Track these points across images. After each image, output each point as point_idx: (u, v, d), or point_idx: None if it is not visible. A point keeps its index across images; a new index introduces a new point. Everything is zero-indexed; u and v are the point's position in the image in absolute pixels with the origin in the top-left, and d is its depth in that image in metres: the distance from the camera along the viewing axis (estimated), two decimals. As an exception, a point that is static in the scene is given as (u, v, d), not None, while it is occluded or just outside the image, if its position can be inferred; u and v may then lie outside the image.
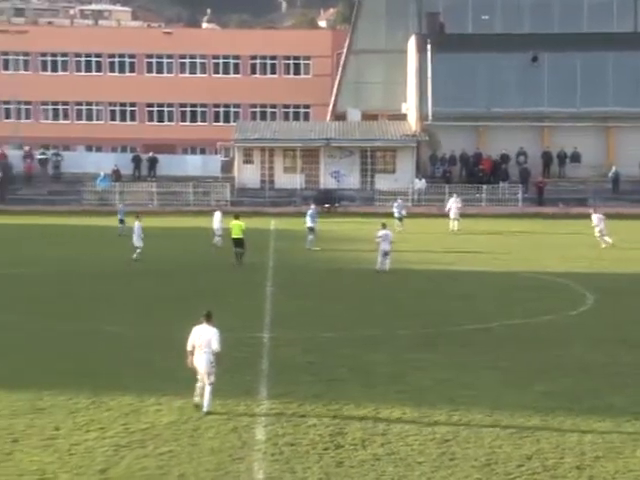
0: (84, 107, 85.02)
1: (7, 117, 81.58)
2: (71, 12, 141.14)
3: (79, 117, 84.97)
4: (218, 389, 18.62)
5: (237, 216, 39.56)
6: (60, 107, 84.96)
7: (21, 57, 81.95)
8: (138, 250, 38.86)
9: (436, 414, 17.87)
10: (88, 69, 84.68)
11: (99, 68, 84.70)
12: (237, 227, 38.14)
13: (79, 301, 29.97)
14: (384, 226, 37.12)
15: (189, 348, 18.08)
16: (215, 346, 17.82)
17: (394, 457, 15.56)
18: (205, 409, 17.86)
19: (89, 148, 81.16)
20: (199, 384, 18.06)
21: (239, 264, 37.45)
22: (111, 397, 18.88)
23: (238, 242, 37.94)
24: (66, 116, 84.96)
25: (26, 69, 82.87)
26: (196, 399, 18.08)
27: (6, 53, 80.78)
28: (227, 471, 14.93)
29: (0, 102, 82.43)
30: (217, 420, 17.48)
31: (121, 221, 47.33)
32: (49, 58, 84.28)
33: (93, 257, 40.13)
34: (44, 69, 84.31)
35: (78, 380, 20.18)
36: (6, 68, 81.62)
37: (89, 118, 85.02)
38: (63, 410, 18.10)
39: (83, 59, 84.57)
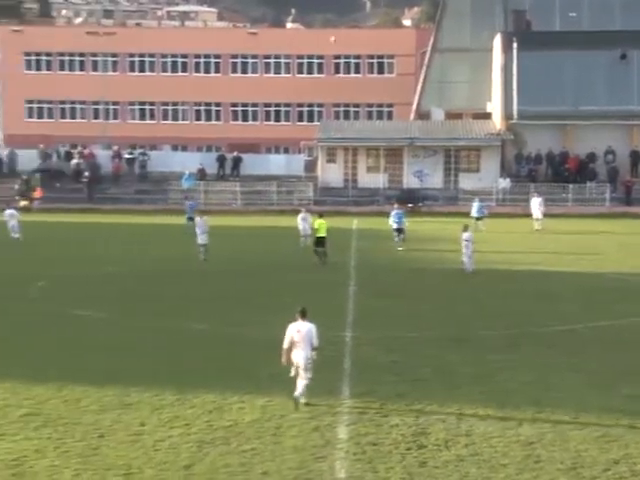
0: (170, 107, 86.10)
1: (96, 117, 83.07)
2: (158, 14, 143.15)
3: (165, 117, 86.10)
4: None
5: (322, 215, 39.69)
6: (147, 107, 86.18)
7: (109, 58, 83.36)
8: (202, 249, 38.78)
9: (520, 416, 17.68)
10: (174, 70, 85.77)
11: (185, 69, 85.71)
12: (322, 226, 38.25)
13: (167, 299, 30.36)
14: (466, 228, 36.78)
15: (286, 346, 18.22)
16: (315, 341, 18.15)
17: (478, 458, 15.43)
18: (301, 400, 18.02)
19: (175, 147, 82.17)
20: (299, 380, 18.22)
21: (323, 263, 37.51)
22: (195, 394, 19.09)
23: (321, 241, 38.01)
24: (153, 116, 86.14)
25: (114, 70, 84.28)
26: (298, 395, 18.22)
27: (95, 54, 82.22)
28: (309, 469, 14.98)
29: (89, 103, 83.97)
30: (299, 419, 17.55)
31: (190, 219, 47.12)
32: (137, 59, 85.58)
33: (178, 255, 40.57)
34: (132, 70, 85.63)
35: (164, 377, 20.45)
36: (95, 69, 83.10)
37: (175, 118, 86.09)
38: (149, 406, 18.36)
39: (169, 60, 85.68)
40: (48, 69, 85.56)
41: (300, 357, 18.06)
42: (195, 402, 18.63)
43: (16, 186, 62.89)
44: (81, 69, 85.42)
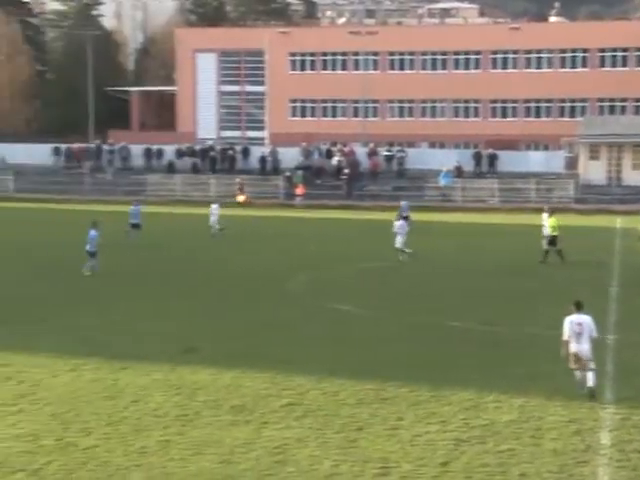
0: (429, 105, 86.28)
1: (355, 115, 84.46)
2: (419, 11, 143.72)
3: (423, 114, 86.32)
4: (559, 390, 18.27)
5: (553, 212, 38.58)
6: (406, 105, 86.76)
7: (370, 57, 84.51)
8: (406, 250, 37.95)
9: None
10: (434, 67, 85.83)
11: (444, 66, 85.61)
12: (555, 224, 37.25)
13: (423, 296, 30.46)
14: None
15: (565, 338, 18.51)
16: (594, 333, 18.48)
17: None
18: (592, 386, 18.12)
19: (432, 145, 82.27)
20: (577, 373, 18.33)
21: (561, 260, 36.46)
22: (451, 391, 19.01)
23: (554, 240, 37.02)
24: (411, 113, 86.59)
25: (375, 69, 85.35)
26: (585, 389, 18.25)
27: (357, 54, 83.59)
28: (570, 474, 14.56)
29: (350, 101, 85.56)
30: (559, 422, 17.10)
31: (405, 218, 46.50)
32: (397, 57, 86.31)
33: (426, 252, 40.56)
34: (392, 68, 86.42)
35: (420, 373, 20.51)
36: (356, 68, 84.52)
37: (433, 115, 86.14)
38: (405, 401, 18.45)
39: (429, 57, 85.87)
40: (312, 69, 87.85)
41: (584, 349, 18.26)
42: (451, 399, 18.55)
43: (280, 183, 65.07)
44: (343, 68, 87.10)
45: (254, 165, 68.43)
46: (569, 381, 18.77)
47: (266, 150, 70.47)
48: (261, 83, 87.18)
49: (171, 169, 68.08)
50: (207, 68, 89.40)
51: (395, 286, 32.46)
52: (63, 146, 71.41)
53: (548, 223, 37.64)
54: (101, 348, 22.61)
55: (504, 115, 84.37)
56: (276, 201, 64.02)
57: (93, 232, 33.50)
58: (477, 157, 67.42)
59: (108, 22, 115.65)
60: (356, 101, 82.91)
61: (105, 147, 71.01)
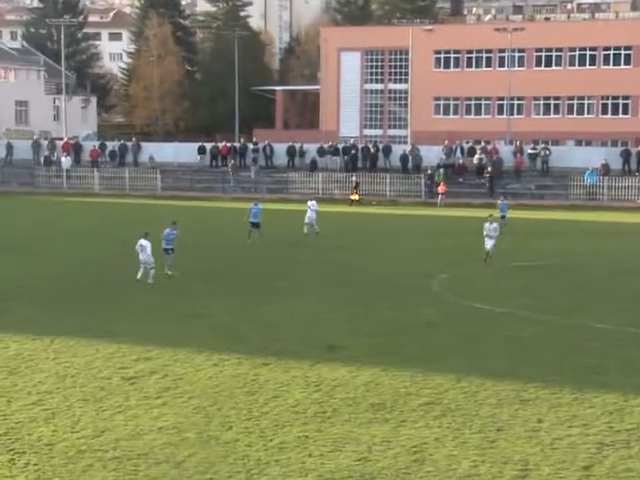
0: (575, 101, 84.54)
1: (500, 113, 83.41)
2: (568, 7, 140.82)
3: (570, 112, 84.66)
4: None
5: None
6: (551, 102, 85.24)
7: (516, 54, 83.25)
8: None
9: None
10: (582, 63, 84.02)
11: (593, 61, 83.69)
12: None
13: (578, 295, 29.88)
14: None
15: None
16: None
17: None
18: None
19: (578, 142, 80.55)
20: None
21: None
22: (595, 394, 18.59)
23: None
24: (557, 111, 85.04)
25: (520, 65, 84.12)
26: None
27: (502, 50, 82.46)
28: None
29: (494, 98, 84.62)
30: None
31: (502, 217, 46.12)
32: (544, 54, 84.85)
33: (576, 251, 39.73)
34: (538, 65, 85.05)
35: (562, 375, 20.12)
36: (502, 65, 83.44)
37: (580, 112, 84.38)
38: (546, 403, 18.14)
39: (577, 53, 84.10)
40: (456, 66, 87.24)
41: None
42: (594, 402, 18.15)
43: (422, 181, 64.87)
44: (487, 65, 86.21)
45: (396, 163, 68.34)
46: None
47: (407, 148, 70.30)
48: (405, 81, 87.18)
49: (314, 167, 68.66)
50: (351, 67, 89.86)
51: (538, 286, 31.90)
52: (209, 145, 72.89)
53: None
54: (242, 344, 22.99)
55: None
56: (418, 199, 63.87)
57: (169, 230, 33.10)
58: (625, 155, 65.57)
59: (255, 23, 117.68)
60: (501, 98, 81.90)
61: (250, 146, 72.13)
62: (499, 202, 48.90)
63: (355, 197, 61.81)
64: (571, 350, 22.50)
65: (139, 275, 31.42)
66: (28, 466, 15.00)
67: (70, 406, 18.08)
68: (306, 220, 44.40)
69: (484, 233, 36.36)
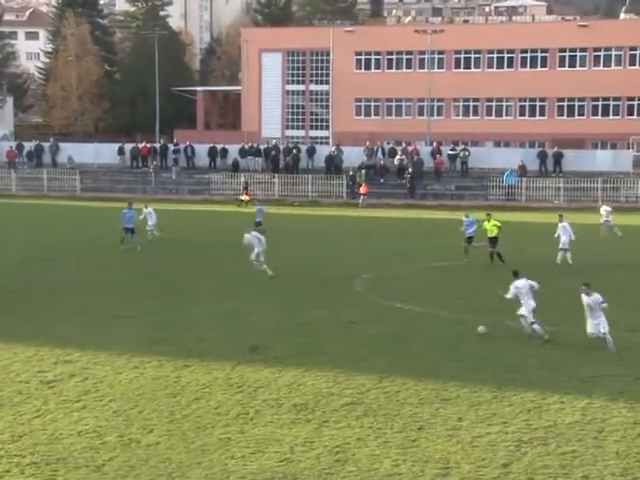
0: (494, 103, 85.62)
1: (420, 114, 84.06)
2: (486, 9, 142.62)
3: (489, 113, 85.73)
4: (624, 392, 18.03)
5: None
6: (471, 103, 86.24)
7: (436, 56, 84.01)
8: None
9: None
10: (500, 65, 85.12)
11: (511, 64, 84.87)
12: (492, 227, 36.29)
13: (484, 294, 30.24)
14: None
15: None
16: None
17: None
18: None
19: (497, 144, 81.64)
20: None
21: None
22: (514, 392, 18.86)
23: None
24: (476, 112, 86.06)
25: (440, 67, 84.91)
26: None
27: (422, 52, 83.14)
28: (634, 477, 14.40)
29: (415, 100, 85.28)
30: (623, 423, 16.87)
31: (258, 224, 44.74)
32: (462, 56, 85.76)
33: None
34: (457, 66, 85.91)
35: (482, 373, 20.36)
36: (422, 67, 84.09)
37: (498, 114, 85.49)
38: (467, 402, 18.35)
39: (495, 55, 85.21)
40: (377, 68, 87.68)
41: None
42: (513, 400, 18.41)
43: (344, 182, 65.15)
44: (408, 67, 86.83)
45: (319, 164, 68.54)
46: (635, 383, 18.52)
47: (332, 149, 70.58)
48: (326, 82, 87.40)
49: (235, 168, 68.48)
50: (273, 67, 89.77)
51: (458, 285, 32.26)
52: (129, 145, 72.22)
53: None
54: (164, 346, 22.82)
55: (571, 114, 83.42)
56: (340, 200, 64.15)
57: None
58: (542, 156, 66.72)
59: (175, 23, 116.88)
60: (421, 100, 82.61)
61: (170, 146, 71.66)
62: (257, 206, 47.43)
63: (245, 197, 61.42)
64: (491, 349, 22.78)
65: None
66: (-57, 473, 14.71)
67: (-13, 411, 17.75)
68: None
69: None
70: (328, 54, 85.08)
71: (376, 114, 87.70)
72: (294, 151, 69.19)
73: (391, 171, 66.75)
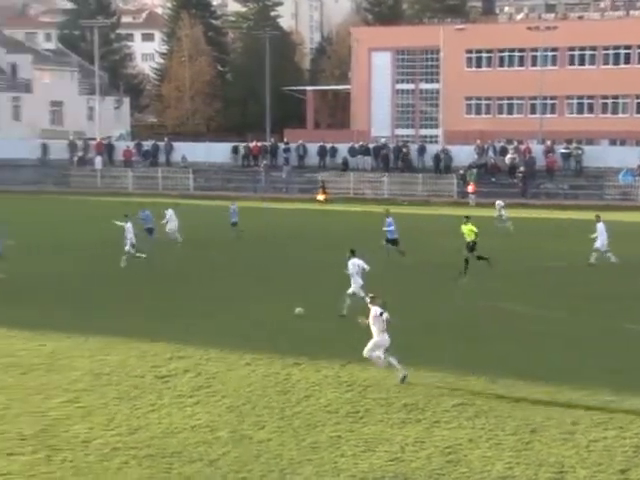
0: (610, 100, 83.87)
1: (532, 112, 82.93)
2: (602, 4, 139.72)
3: (604, 111, 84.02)
4: None
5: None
6: (585, 101, 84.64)
7: (549, 53, 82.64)
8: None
9: None
10: (616, 62, 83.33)
11: (628, 60, 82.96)
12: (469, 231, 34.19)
13: (611, 297, 29.62)
14: None
15: None
16: None
17: None
18: None
19: (612, 142, 79.92)
20: None
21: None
22: (631, 397, 18.40)
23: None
24: (591, 110, 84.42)
25: (553, 64, 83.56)
26: None
27: (535, 49, 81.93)
28: None
29: (527, 98, 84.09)
30: None
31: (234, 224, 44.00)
32: (577, 52, 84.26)
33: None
34: (571, 63, 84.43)
35: (598, 377, 19.95)
36: (534, 64, 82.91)
37: (614, 111, 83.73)
38: (582, 405, 17.98)
39: (611, 52, 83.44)
40: (488, 66, 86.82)
41: None
42: (631, 405, 17.96)
43: (454, 181, 64.68)
44: (520, 64, 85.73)
45: (428, 163, 68.17)
46: None
47: (439, 148, 70.13)
48: (436, 81, 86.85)
49: (345, 167, 68.60)
50: (382, 66, 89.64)
51: (572, 287, 31.66)
52: (241, 145, 73.05)
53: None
54: (272, 343, 22.99)
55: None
56: (450, 199, 63.68)
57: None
58: (659, 154, 64.99)
59: (286, 22, 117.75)
60: (533, 98, 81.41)
61: (281, 146, 72.20)
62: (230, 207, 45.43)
63: (322, 197, 61.32)
64: (607, 352, 22.28)
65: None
66: (64, 463, 15.09)
67: (105, 404, 18.17)
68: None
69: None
70: (438, 52, 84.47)
71: (487, 112, 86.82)
72: (404, 150, 68.93)
73: (502, 170, 65.93)
